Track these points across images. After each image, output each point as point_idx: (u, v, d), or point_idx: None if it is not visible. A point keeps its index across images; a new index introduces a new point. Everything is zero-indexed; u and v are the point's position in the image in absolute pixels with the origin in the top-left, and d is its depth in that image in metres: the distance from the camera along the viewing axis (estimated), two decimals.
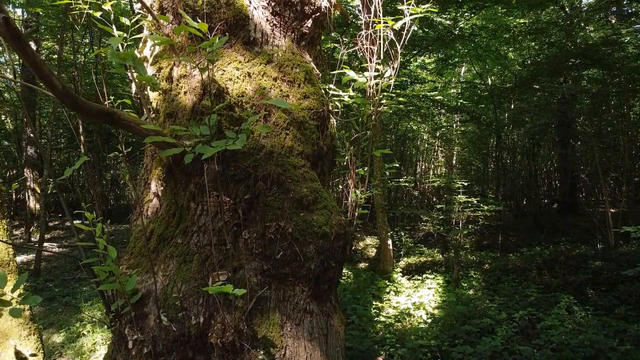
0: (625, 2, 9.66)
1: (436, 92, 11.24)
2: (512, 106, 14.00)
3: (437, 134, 16.30)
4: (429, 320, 5.61)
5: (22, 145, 12.75)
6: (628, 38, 9.54)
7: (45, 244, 9.94)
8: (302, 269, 2.13)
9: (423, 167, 18.79)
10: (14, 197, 15.27)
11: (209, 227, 2.08)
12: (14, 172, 16.65)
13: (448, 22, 9.91)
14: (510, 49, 12.88)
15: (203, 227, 2.11)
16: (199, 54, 1.92)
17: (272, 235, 2.08)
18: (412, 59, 11.74)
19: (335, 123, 2.63)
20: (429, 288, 6.98)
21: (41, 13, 11.00)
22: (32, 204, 12.54)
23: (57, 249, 10.96)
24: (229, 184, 2.09)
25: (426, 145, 18.16)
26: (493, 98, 12.54)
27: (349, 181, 2.56)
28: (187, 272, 2.07)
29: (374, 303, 6.38)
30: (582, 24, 9.94)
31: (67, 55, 12.10)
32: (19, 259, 9.27)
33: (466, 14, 10.36)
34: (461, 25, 10.15)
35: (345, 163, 2.66)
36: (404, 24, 2.40)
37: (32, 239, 11.82)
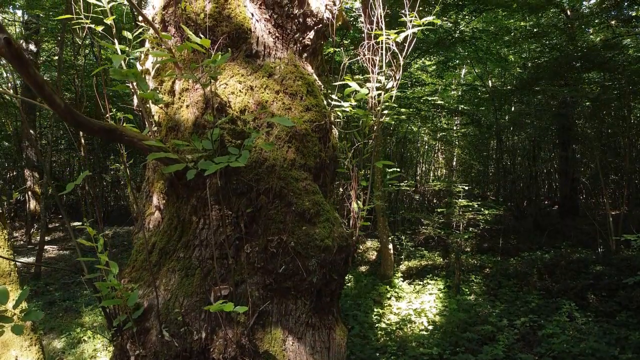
0: (625, 5, 9.65)
1: (437, 96, 11.22)
2: (513, 108, 13.99)
3: (438, 135, 16.29)
4: (430, 327, 5.59)
5: (23, 146, 12.72)
6: (629, 41, 9.54)
7: (45, 247, 9.93)
8: (304, 282, 2.12)
9: (423, 168, 18.78)
10: (14, 198, 15.23)
11: (211, 241, 2.07)
12: (14, 173, 16.62)
13: (449, 24, 9.91)
14: (510, 52, 12.86)
15: (205, 241, 2.10)
16: (201, 68, 1.92)
17: (274, 249, 2.07)
18: (412, 62, 11.73)
19: (337, 134, 2.62)
20: (430, 293, 6.95)
21: (42, 15, 11.00)
22: (33, 205, 12.51)
23: (57, 250, 10.95)
24: (231, 197, 2.08)
25: (426, 147, 18.14)
26: (493, 100, 12.53)
27: (351, 192, 2.54)
28: (189, 286, 2.06)
29: (375, 309, 6.35)
30: (584, 27, 9.93)
31: (67, 57, 12.09)
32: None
33: (467, 17, 10.35)
34: (462, 28, 10.14)
35: (345, 169, 2.64)
36: (407, 35, 2.39)
37: (33, 240, 11.81)
